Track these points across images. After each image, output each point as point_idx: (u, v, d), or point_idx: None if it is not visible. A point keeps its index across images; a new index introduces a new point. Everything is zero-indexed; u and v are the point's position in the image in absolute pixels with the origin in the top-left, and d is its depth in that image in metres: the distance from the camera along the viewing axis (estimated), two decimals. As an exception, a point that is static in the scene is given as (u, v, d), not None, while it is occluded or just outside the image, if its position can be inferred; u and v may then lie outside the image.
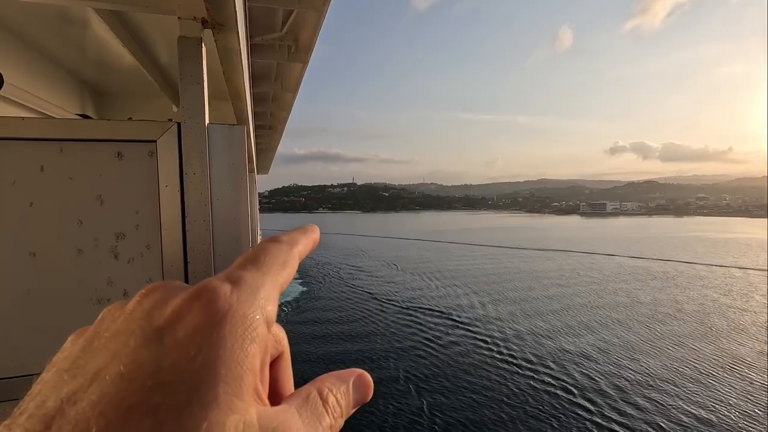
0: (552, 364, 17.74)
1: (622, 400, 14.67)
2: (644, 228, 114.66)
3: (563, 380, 16.27)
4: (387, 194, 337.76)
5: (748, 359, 18.53)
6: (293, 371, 0.38)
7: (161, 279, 1.79)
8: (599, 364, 17.90)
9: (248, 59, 3.05)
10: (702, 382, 16.26)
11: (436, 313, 26.27)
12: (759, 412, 14.02)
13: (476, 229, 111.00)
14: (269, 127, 9.05)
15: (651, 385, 15.89)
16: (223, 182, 1.84)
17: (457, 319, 24.86)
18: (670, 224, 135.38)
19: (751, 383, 16.18)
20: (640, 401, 14.66)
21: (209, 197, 1.80)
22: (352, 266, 46.42)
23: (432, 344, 20.58)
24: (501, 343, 20.45)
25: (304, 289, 34.72)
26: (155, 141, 1.74)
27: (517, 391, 15.39)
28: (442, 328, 23.17)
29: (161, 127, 1.74)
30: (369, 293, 32.59)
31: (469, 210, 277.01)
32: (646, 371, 17.17)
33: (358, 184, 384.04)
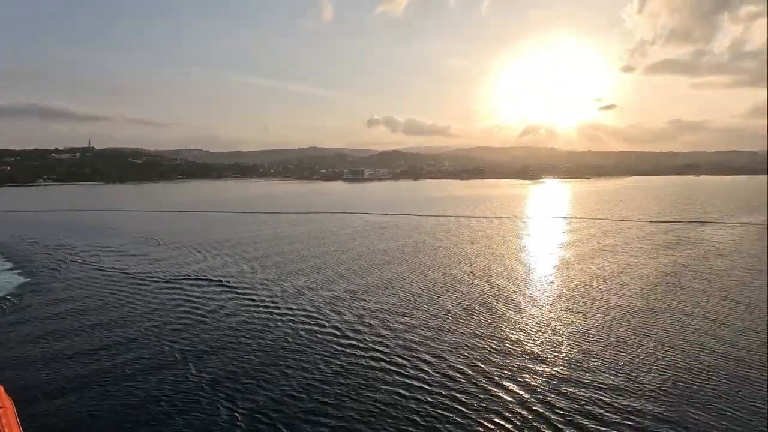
0: (312, 306, 21.40)
1: (367, 320, 19.54)
2: (389, 189, 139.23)
3: (319, 317, 20.12)
4: (139, 161, 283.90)
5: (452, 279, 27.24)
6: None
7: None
8: (351, 298, 22.72)
9: None
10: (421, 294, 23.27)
11: (204, 282, 26.26)
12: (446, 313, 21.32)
13: (246, 197, 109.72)
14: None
15: (383, 300, 21.56)
16: None
17: (226, 283, 25.73)
18: (409, 186, 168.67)
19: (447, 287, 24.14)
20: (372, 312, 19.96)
21: None
22: (99, 246, 39.38)
23: (199, 311, 21.01)
24: (267, 298, 22.99)
25: (26, 280, 27.65)
26: None
27: (280, 331, 18.26)
28: (209, 295, 23.68)
29: None
30: (124, 272, 29.20)
31: (241, 178, 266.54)
32: (384, 295, 23.03)
33: (98, 148, 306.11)
